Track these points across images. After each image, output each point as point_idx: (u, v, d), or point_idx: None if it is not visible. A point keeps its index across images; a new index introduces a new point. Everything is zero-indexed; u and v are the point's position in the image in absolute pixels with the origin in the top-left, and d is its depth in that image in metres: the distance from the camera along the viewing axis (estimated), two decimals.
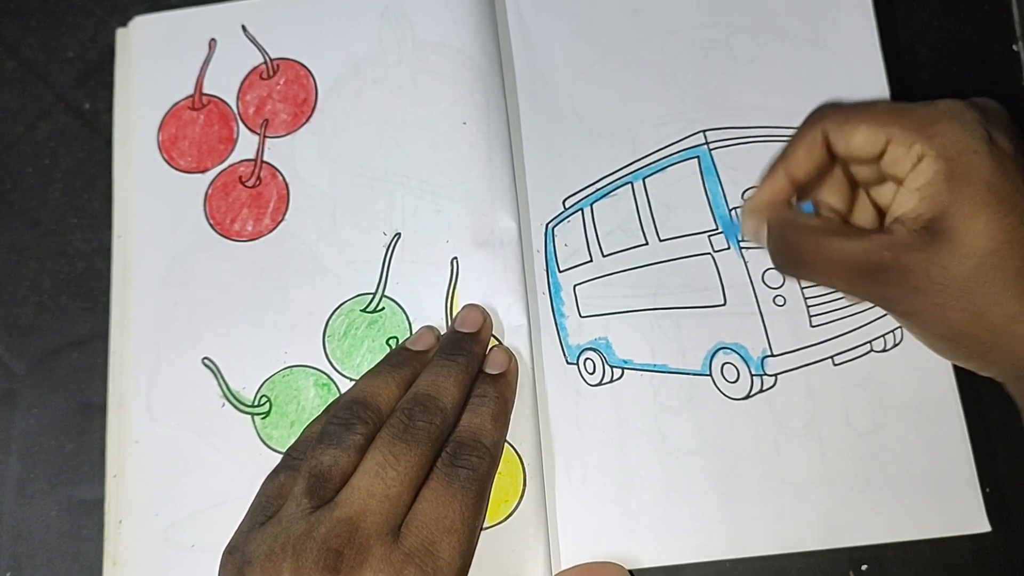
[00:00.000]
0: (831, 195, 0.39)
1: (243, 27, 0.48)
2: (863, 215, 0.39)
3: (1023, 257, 0.33)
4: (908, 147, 0.35)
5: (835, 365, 0.41)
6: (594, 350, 0.42)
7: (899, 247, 0.34)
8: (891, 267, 0.35)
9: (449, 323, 0.43)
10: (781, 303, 0.42)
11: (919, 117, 0.35)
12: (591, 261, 0.43)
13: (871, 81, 0.44)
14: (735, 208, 0.43)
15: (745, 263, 0.42)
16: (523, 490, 0.40)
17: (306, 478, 0.36)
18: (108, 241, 0.46)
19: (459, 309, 0.42)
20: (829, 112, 0.37)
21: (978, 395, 0.41)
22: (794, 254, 0.37)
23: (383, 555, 0.33)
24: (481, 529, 0.39)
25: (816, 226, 0.37)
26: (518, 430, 0.41)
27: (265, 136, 0.46)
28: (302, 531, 0.34)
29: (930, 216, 0.34)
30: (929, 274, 0.34)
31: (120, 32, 0.49)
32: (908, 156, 0.35)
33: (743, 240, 0.42)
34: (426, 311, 0.43)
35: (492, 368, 0.40)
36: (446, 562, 0.34)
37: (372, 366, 0.41)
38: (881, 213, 0.39)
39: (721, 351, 0.41)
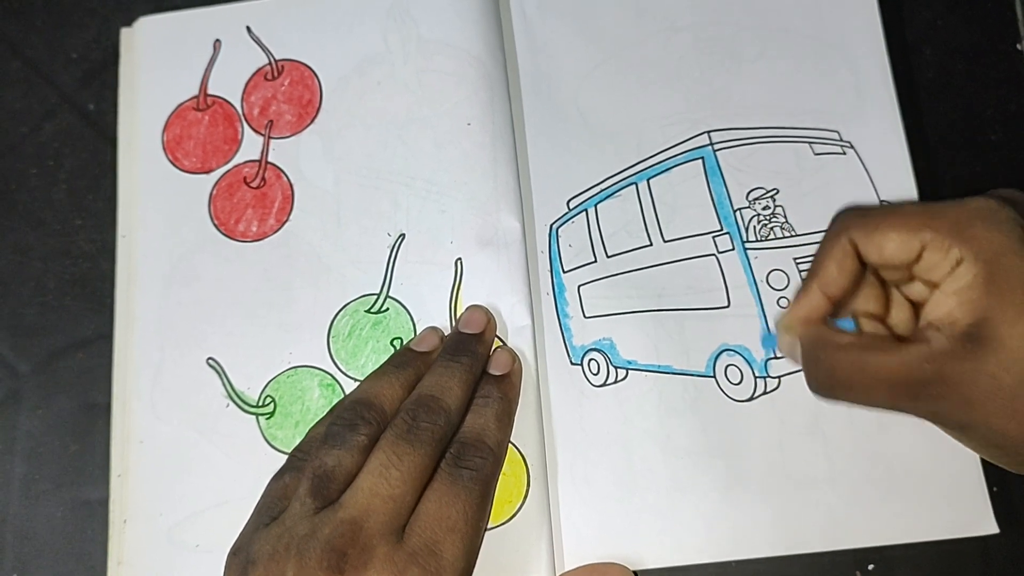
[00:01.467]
0: (866, 301, 0.37)
1: (248, 28, 0.48)
2: (899, 313, 0.38)
3: None
4: (945, 252, 0.34)
5: None
6: (598, 351, 0.42)
7: (941, 357, 0.33)
8: (935, 380, 0.33)
9: (453, 324, 0.43)
10: (785, 305, 0.41)
11: (952, 220, 0.34)
12: (595, 262, 0.43)
13: (876, 81, 0.44)
14: (739, 208, 0.43)
15: (749, 264, 0.42)
16: (527, 491, 0.40)
17: (310, 479, 0.36)
18: (113, 241, 0.46)
19: (463, 310, 0.42)
20: (854, 220, 0.36)
21: None
22: (830, 377, 0.36)
23: (387, 555, 0.33)
24: (485, 530, 0.39)
25: (850, 343, 0.35)
26: (522, 430, 0.41)
27: (270, 137, 0.46)
28: (306, 531, 0.34)
29: (970, 321, 0.33)
30: (976, 383, 0.32)
31: (124, 32, 0.49)
32: (946, 260, 0.34)
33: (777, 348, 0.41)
34: (430, 312, 0.43)
35: (496, 369, 0.40)
36: (450, 562, 0.34)
37: (376, 367, 0.41)
38: (916, 308, 0.38)
39: (725, 353, 0.41)
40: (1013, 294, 0.32)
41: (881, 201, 0.42)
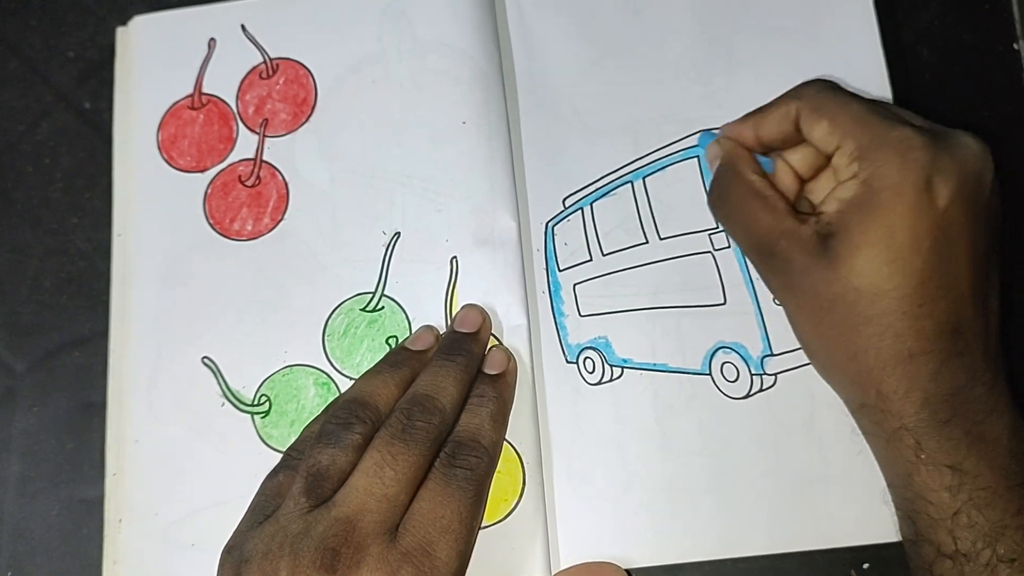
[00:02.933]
0: (800, 158, 0.39)
1: (242, 27, 0.48)
2: (822, 192, 0.39)
3: (880, 308, 0.33)
4: (848, 161, 0.35)
5: None
6: (594, 349, 0.42)
7: (795, 242, 0.35)
8: (778, 256, 0.36)
9: (449, 322, 0.43)
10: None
11: (873, 136, 0.35)
12: (591, 260, 0.43)
13: (873, 81, 0.43)
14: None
15: (745, 262, 0.42)
16: (522, 489, 0.40)
17: (304, 477, 0.36)
18: (109, 240, 0.46)
19: (458, 309, 0.42)
20: (809, 94, 0.37)
21: None
22: (720, 197, 0.39)
23: (380, 554, 0.33)
24: (479, 529, 0.39)
25: (749, 182, 0.37)
26: (517, 429, 0.41)
27: (265, 135, 0.46)
28: (299, 530, 0.34)
29: (832, 230, 0.35)
30: (801, 280, 0.35)
31: (120, 31, 0.49)
32: (847, 169, 0.35)
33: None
34: (426, 310, 0.43)
35: (491, 368, 0.40)
36: (443, 562, 0.34)
37: (371, 365, 0.41)
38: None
39: (721, 350, 0.41)
40: (870, 227, 0.34)
41: None
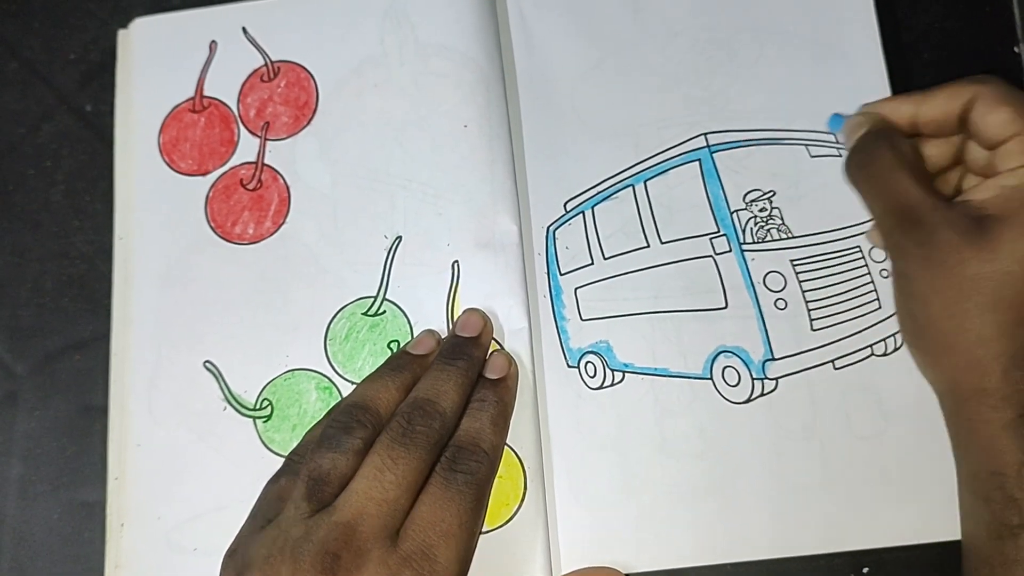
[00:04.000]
0: (937, 152, 0.39)
1: (244, 29, 0.48)
2: (948, 185, 0.40)
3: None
4: (1021, 150, 0.36)
5: (836, 369, 0.41)
6: (595, 353, 0.42)
7: (945, 219, 0.35)
8: (925, 228, 0.36)
9: (450, 326, 0.43)
10: (782, 307, 0.41)
11: None
12: (592, 264, 0.43)
13: (873, 83, 0.43)
14: (736, 210, 0.43)
15: (746, 266, 0.42)
16: (523, 494, 0.40)
17: (305, 482, 0.36)
18: (110, 243, 0.46)
19: (460, 313, 0.42)
20: (993, 81, 0.38)
21: None
22: (864, 161, 0.38)
23: (381, 559, 0.33)
24: (479, 534, 0.39)
25: (902, 151, 0.37)
26: (519, 433, 0.41)
27: (266, 139, 0.46)
28: (300, 534, 0.34)
29: (990, 213, 0.35)
30: (947, 256, 0.35)
31: (121, 34, 0.48)
32: (1018, 157, 0.36)
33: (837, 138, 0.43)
34: (427, 314, 0.43)
35: (492, 373, 0.40)
36: (443, 566, 0.34)
37: (373, 370, 0.41)
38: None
39: (722, 354, 0.41)
40: None
41: None
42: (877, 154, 0.38)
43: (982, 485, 0.35)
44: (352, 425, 0.37)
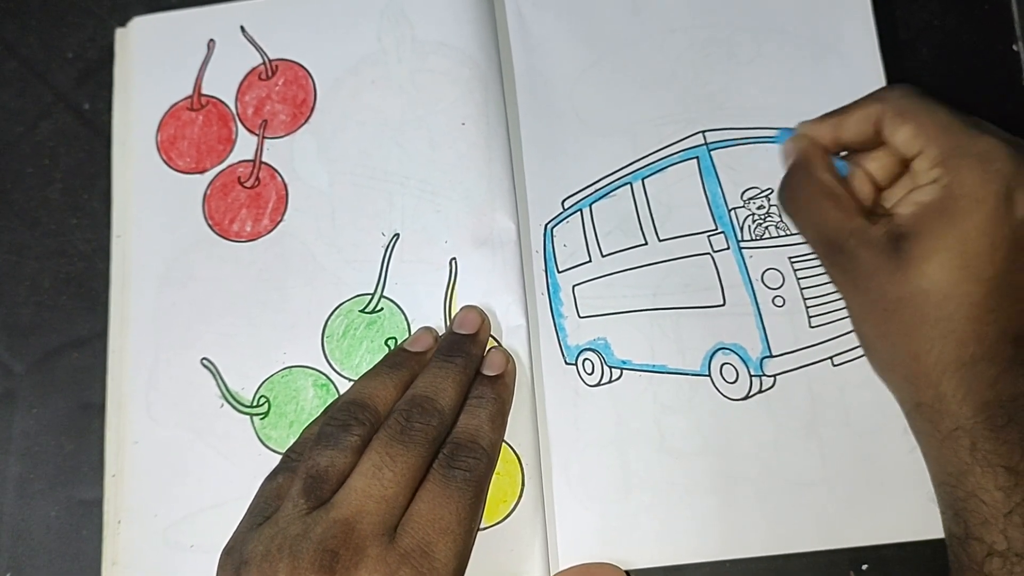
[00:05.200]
0: (876, 164, 0.39)
1: (242, 28, 0.48)
2: (896, 198, 0.39)
3: (946, 311, 0.34)
4: (930, 166, 0.35)
5: (834, 366, 0.41)
6: (593, 350, 0.42)
7: (864, 241, 0.35)
8: (845, 254, 0.36)
9: (448, 324, 0.43)
10: (780, 304, 0.41)
11: (956, 144, 0.35)
12: (590, 261, 0.43)
13: (870, 81, 0.43)
14: (734, 208, 0.43)
15: (744, 263, 0.42)
16: (521, 490, 0.40)
17: (303, 479, 0.36)
18: (108, 241, 0.46)
19: (458, 310, 0.42)
20: (894, 97, 0.37)
21: None
22: (790, 193, 0.39)
23: (379, 556, 0.33)
24: (477, 530, 0.39)
25: (821, 180, 0.38)
26: (517, 430, 0.41)
27: (264, 137, 0.46)
28: (298, 532, 0.34)
29: (905, 232, 0.35)
30: (868, 280, 0.35)
31: (119, 32, 0.49)
32: (927, 174, 0.36)
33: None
34: (425, 311, 0.43)
35: (490, 370, 0.40)
36: (442, 563, 0.34)
37: (370, 367, 0.41)
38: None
39: (720, 351, 0.41)
40: (946, 234, 0.34)
41: None
42: (800, 186, 0.38)
43: (937, 493, 0.36)
44: (350, 422, 0.37)
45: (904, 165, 0.38)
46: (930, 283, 0.34)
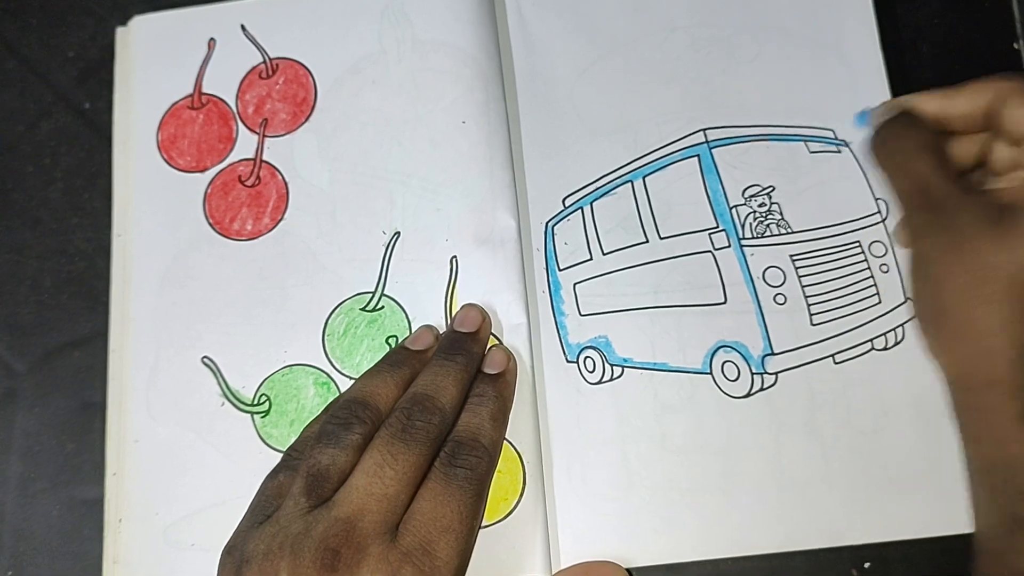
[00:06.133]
0: (958, 150, 0.39)
1: (242, 27, 0.48)
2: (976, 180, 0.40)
3: None
4: None
5: (836, 363, 0.41)
6: (594, 348, 0.42)
7: (966, 205, 0.35)
8: (945, 212, 0.35)
9: (448, 322, 0.43)
10: (782, 301, 0.41)
11: None
12: (591, 259, 0.43)
13: (872, 79, 0.44)
14: (735, 206, 0.43)
15: (746, 261, 0.42)
16: (523, 488, 0.40)
17: (304, 477, 0.36)
18: (109, 240, 0.46)
19: (458, 308, 0.42)
20: (1021, 81, 0.37)
21: None
22: (892, 140, 0.38)
23: (380, 554, 0.33)
24: (479, 529, 0.39)
25: (931, 134, 0.37)
26: (518, 428, 0.41)
27: (264, 135, 0.46)
28: (300, 530, 0.34)
29: (1011, 204, 0.35)
30: (965, 242, 0.35)
31: (120, 31, 0.49)
32: None
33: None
34: (425, 310, 0.43)
35: (491, 368, 0.40)
36: (444, 561, 0.34)
37: (371, 365, 0.41)
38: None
39: (721, 349, 0.41)
40: None
41: (876, 199, 0.42)
42: (904, 133, 0.38)
43: (992, 477, 0.35)
44: (351, 421, 0.37)
45: (980, 157, 0.39)
46: None
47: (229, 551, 0.36)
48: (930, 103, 0.39)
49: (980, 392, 0.35)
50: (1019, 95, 0.37)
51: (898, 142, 0.38)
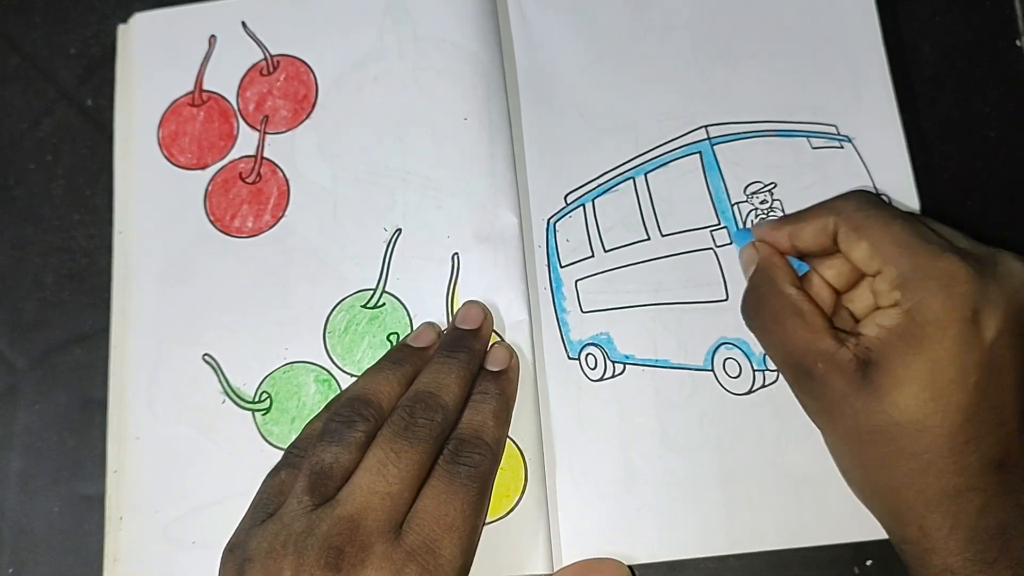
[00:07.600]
0: (835, 273, 0.37)
1: (243, 23, 0.48)
2: (860, 303, 0.38)
3: (923, 444, 0.32)
4: (890, 288, 0.34)
5: None
6: (596, 345, 0.42)
7: (834, 366, 0.34)
8: (815, 380, 0.35)
9: (450, 319, 0.42)
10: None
11: (916, 265, 0.33)
12: (593, 256, 0.43)
13: (874, 76, 0.43)
14: (737, 203, 0.42)
15: None
16: (525, 485, 0.40)
17: (307, 475, 0.35)
18: (111, 237, 0.46)
19: (460, 305, 0.42)
20: (848, 210, 0.36)
21: None
22: (755, 308, 0.38)
23: (384, 553, 0.33)
24: (483, 526, 0.39)
25: (786, 296, 0.36)
26: (520, 425, 0.41)
27: (265, 132, 0.46)
28: (303, 528, 0.34)
29: (873, 359, 0.33)
30: (841, 408, 0.34)
31: (121, 29, 0.48)
32: (888, 295, 0.34)
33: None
34: (427, 307, 0.43)
35: (493, 365, 0.40)
36: (447, 559, 0.34)
37: (373, 363, 0.41)
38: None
39: (723, 346, 0.41)
40: (915, 363, 0.32)
41: (879, 193, 0.42)
42: (764, 301, 0.37)
43: None
44: (354, 418, 0.37)
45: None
46: (902, 415, 0.32)
47: (231, 549, 0.36)
48: (780, 236, 0.38)
49: (900, 549, 0.35)
50: (846, 229, 0.35)
51: (761, 312, 0.37)
